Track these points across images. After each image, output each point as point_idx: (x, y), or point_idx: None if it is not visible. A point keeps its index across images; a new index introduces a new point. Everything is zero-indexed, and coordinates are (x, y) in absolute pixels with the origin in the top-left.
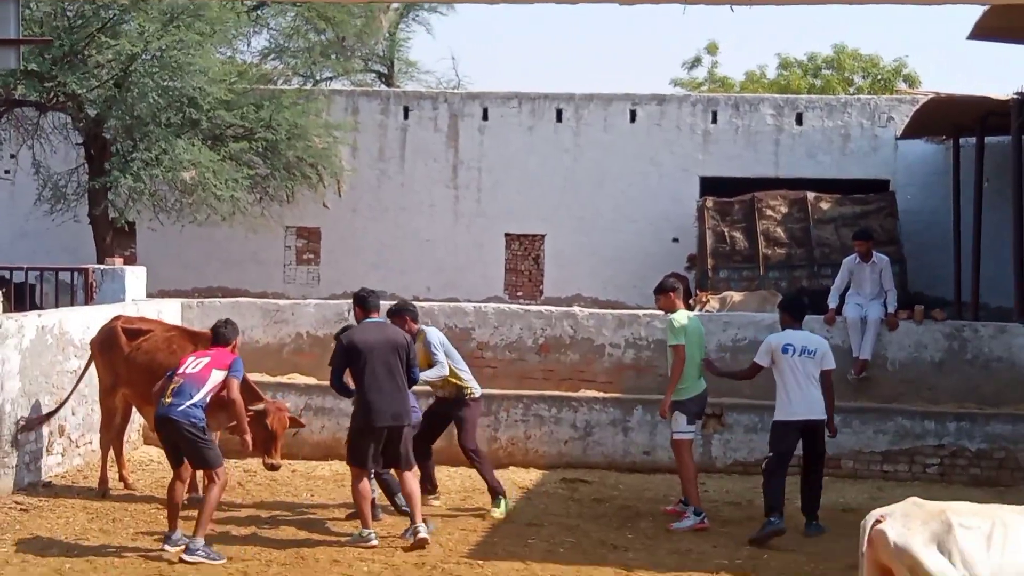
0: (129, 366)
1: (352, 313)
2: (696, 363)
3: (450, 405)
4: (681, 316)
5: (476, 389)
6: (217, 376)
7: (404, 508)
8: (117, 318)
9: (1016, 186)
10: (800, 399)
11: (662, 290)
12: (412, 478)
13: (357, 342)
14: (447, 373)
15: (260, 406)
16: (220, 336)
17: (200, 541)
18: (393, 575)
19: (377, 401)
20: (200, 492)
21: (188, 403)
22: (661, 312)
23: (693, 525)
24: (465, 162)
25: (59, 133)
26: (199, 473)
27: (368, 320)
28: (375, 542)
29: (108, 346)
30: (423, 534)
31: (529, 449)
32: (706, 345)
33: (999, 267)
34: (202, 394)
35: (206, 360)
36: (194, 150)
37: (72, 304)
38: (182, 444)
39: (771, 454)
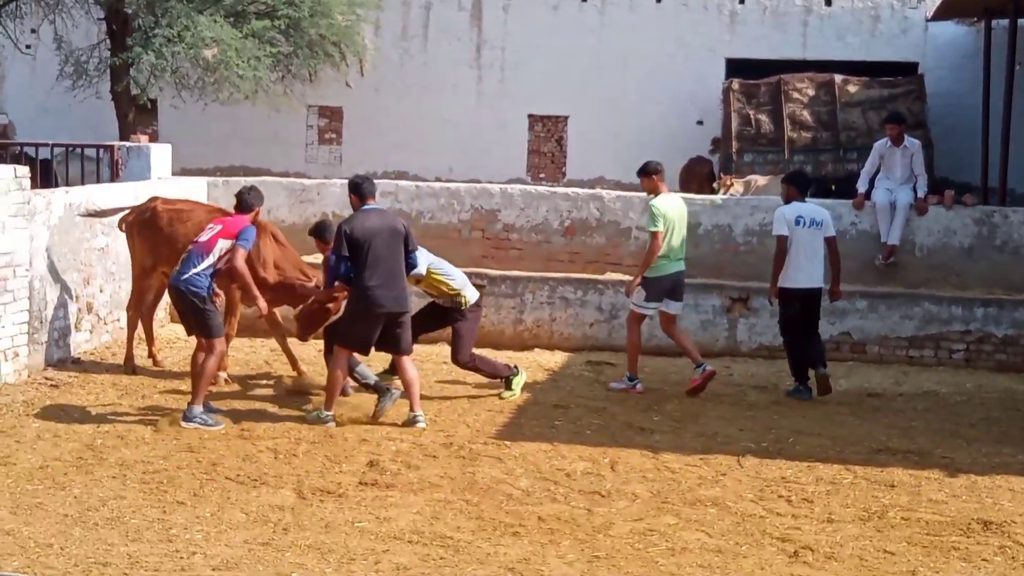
0: (171, 246)
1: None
2: (674, 246)
3: (445, 312)
4: (661, 201)
5: (471, 296)
6: (223, 245)
7: (365, 381)
8: (155, 198)
9: None
10: (806, 269)
11: (645, 172)
12: (410, 364)
13: (358, 229)
14: (423, 272)
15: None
16: (242, 202)
17: (197, 408)
18: (421, 454)
19: (379, 287)
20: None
21: (192, 271)
22: (694, 196)
23: (624, 387)
24: (489, 42)
25: (80, 7)
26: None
27: (366, 207)
28: (333, 424)
29: (148, 226)
30: (421, 424)
31: (554, 332)
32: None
33: None
34: (207, 263)
35: (217, 229)
36: (216, 27)
37: (97, 181)
38: (185, 311)
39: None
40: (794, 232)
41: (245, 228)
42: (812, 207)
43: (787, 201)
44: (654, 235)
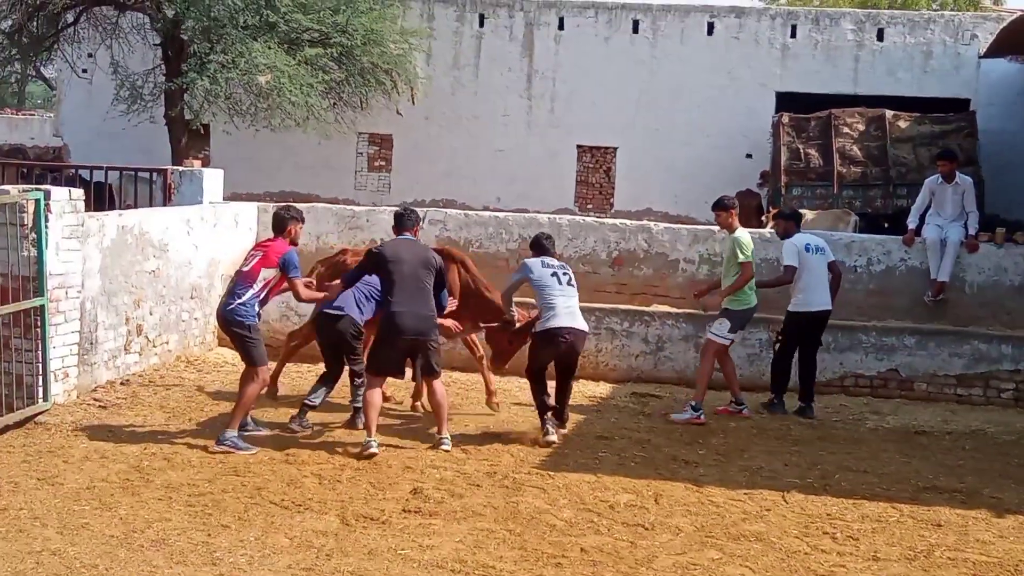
0: None
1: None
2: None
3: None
4: (745, 234)
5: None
6: (268, 274)
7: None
8: (344, 251)
9: None
10: (819, 293)
11: (722, 207)
12: (439, 386)
13: (387, 253)
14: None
15: (513, 313)
16: (278, 221)
17: (231, 432)
18: (465, 483)
19: (403, 313)
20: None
21: (237, 302)
22: (753, 233)
23: (689, 419)
24: (540, 72)
25: (137, 33)
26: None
27: (401, 237)
28: (375, 450)
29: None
30: (445, 446)
31: (600, 362)
32: (768, 261)
33: None
34: (250, 294)
35: (257, 257)
36: (270, 54)
37: (150, 205)
38: (232, 340)
39: (782, 341)
40: (805, 260)
41: (287, 256)
42: (813, 236)
43: (787, 235)
44: (745, 265)
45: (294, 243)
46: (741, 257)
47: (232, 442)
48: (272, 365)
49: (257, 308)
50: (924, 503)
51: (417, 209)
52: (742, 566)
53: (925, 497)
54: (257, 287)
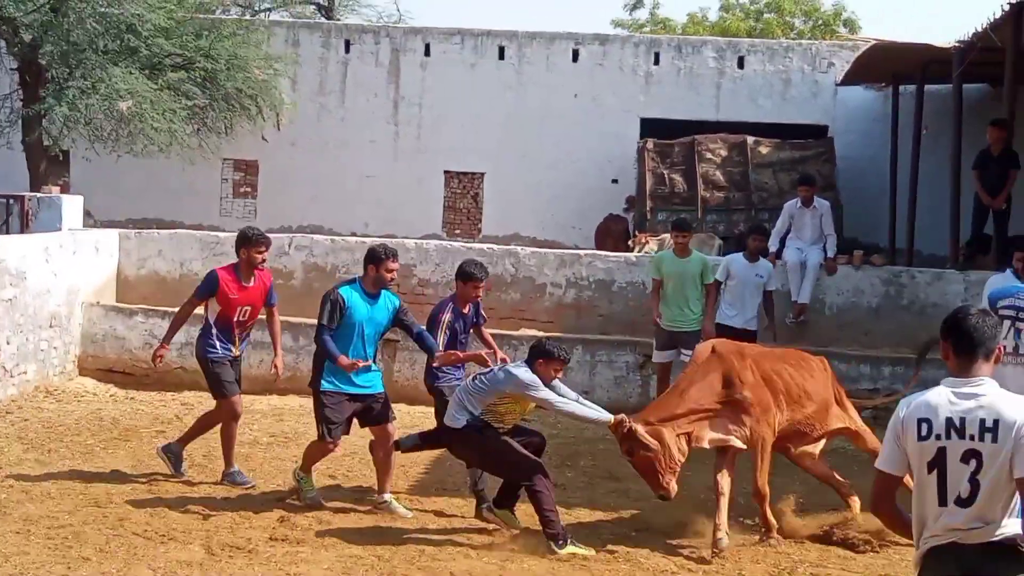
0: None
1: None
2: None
3: None
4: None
5: None
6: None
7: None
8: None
9: (955, 134)
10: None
11: (688, 228)
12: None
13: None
14: None
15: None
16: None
17: (177, 447)
18: (333, 510)
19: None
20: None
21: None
22: (609, 254)
23: None
24: (406, 98)
25: None
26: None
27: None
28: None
29: None
30: (390, 507)
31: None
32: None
33: (934, 215)
34: (208, 322)
35: None
36: (131, 79)
37: (7, 232)
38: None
39: None
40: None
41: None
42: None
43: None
44: (719, 284)
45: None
46: (709, 277)
47: (173, 461)
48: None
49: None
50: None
51: (283, 236)
52: None
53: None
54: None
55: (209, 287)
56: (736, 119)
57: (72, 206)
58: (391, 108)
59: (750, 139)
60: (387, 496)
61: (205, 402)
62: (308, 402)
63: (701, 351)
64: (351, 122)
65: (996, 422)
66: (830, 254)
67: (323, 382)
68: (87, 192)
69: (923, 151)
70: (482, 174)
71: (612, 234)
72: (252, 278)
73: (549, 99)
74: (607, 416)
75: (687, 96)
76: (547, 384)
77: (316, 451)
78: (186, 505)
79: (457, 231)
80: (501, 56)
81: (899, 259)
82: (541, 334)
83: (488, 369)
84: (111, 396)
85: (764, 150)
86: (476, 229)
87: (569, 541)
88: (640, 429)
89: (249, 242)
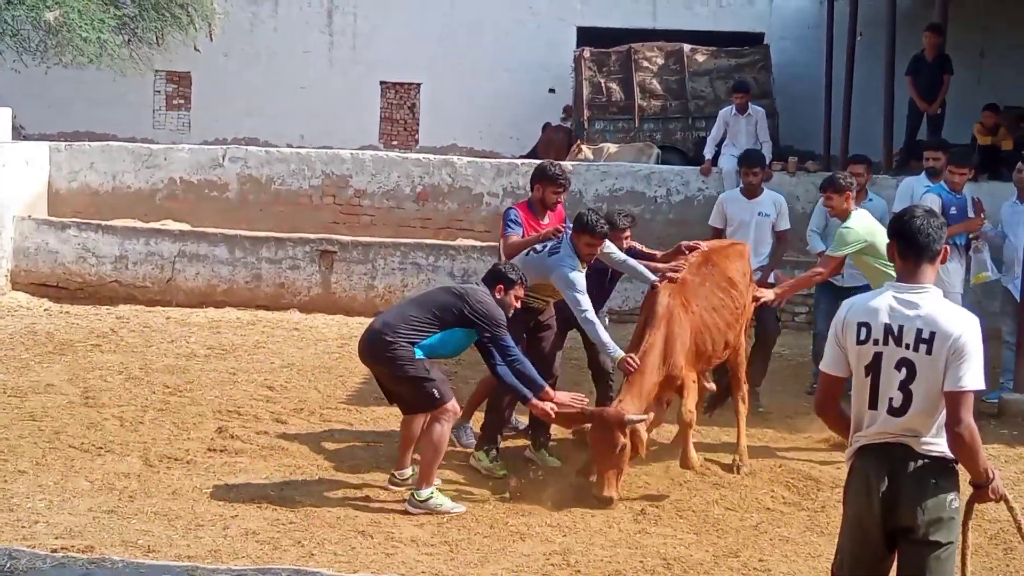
0: None
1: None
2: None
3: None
4: (858, 224)
5: None
6: None
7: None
8: None
9: (888, 41)
10: None
11: (839, 189)
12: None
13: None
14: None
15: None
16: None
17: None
18: (272, 420)
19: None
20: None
21: None
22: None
23: None
24: (340, 7)
25: None
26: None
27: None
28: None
29: None
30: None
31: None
32: (585, 194)
33: (868, 122)
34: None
35: None
36: None
37: None
38: None
39: None
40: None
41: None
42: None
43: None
44: (831, 260)
45: None
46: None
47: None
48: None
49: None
50: (704, 423)
51: (217, 147)
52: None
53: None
54: None
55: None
56: (673, 27)
57: (0, 119)
58: (325, 17)
59: (687, 47)
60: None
61: (140, 315)
62: (244, 314)
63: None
64: (285, 32)
65: (932, 334)
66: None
67: None
68: (16, 105)
69: (857, 58)
70: (418, 84)
71: (555, 144)
72: (546, 218)
73: (485, 8)
74: (615, 352)
75: (624, 4)
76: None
77: None
78: (122, 418)
79: (394, 142)
80: None
81: (833, 165)
82: (478, 244)
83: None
84: (45, 310)
85: (700, 58)
86: (413, 140)
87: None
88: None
89: (547, 179)
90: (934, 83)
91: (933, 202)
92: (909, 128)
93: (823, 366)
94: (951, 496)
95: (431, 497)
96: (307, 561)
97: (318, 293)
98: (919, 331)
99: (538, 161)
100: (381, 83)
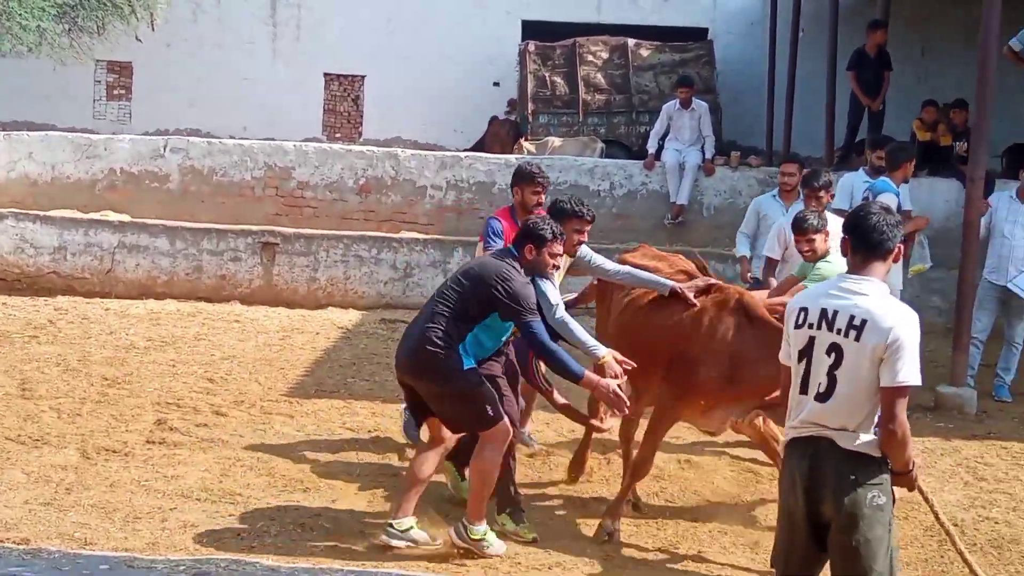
0: None
1: None
2: None
3: None
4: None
5: None
6: None
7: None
8: None
9: (831, 37)
10: None
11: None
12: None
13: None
14: None
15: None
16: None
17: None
18: (212, 412)
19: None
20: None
21: None
22: (490, 156)
23: None
24: None
25: None
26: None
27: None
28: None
29: None
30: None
31: (349, 290)
32: None
33: (811, 117)
34: None
35: None
36: None
37: None
38: None
39: None
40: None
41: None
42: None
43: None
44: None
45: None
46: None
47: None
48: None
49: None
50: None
51: (158, 138)
52: None
53: None
54: None
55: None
56: (618, 22)
57: None
58: (268, 8)
59: (631, 42)
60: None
61: (79, 306)
62: (185, 306)
63: None
64: (228, 23)
65: (864, 322)
66: (708, 155)
67: None
68: None
69: (800, 54)
70: (362, 76)
71: (500, 138)
72: None
73: (428, 1)
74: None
75: None
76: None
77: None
78: (59, 409)
79: (338, 135)
80: None
81: (776, 161)
82: (421, 236)
83: None
84: None
85: (645, 53)
86: (357, 132)
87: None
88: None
89: (525, 179)
90: (876, 79)
91: (890, 200)
92: (850, 124)
93: (780, 356)
94: (872, 492)
95: (484, 537)
96: (247, 553)
97: (260, 285)
98: (852, 316)
99: (481, 153)
100: (325, 75)
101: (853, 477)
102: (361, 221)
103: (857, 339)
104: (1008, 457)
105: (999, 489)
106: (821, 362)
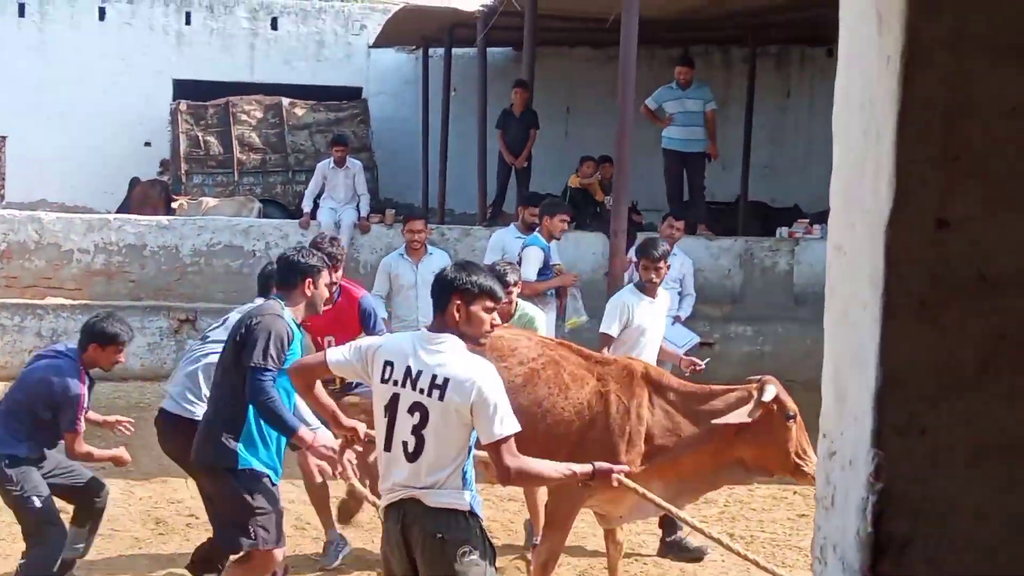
0: None
1: None
2: None
3: None
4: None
5: None
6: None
7: None
8: None
9: (481, 96)
10: None
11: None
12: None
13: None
14: None
15: None
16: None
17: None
18: None
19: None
20: None
21: None
22: (140, 217)
23: None
24: None
25: None
26: None
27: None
28: None
29: None
30: None
31: None
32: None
33: (465, 174)
34: None
35: None
36: None
37: None
38: None
39: None
40: None
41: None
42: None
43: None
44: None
45: None
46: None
47: None
48: None
49: None
50: None
51: None
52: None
53: None
54: None
55: None
56: (272, 80)
57: None
58: None
59: (285, 101)
60: None
61: None
62: None
63: None
64: None
65: (447, 380)
66: (363, 213)
67: None
68: None
69: (452, 113)
70: (4, 137)
71: (151, 199)
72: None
73: (76, 59)
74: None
75: (220, 57)
76: None
77: None
78: None
79: None
80: (21, 14)
81: (432, 217)
82: (69, 302)
83: None
84: None
85: (300, 112)
86: None
87: None
88: None
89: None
90: (522, 137)
91: (536, 255)
92: (500, 181)
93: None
94: (462, 548)
95: None
96: None
97: None
98: (434, 376)
99: (131, 216)
100: None
101: (440, 536)
102: (3, 287)
103: (441, 398)
104: None
105: None
106: (406, 420)
